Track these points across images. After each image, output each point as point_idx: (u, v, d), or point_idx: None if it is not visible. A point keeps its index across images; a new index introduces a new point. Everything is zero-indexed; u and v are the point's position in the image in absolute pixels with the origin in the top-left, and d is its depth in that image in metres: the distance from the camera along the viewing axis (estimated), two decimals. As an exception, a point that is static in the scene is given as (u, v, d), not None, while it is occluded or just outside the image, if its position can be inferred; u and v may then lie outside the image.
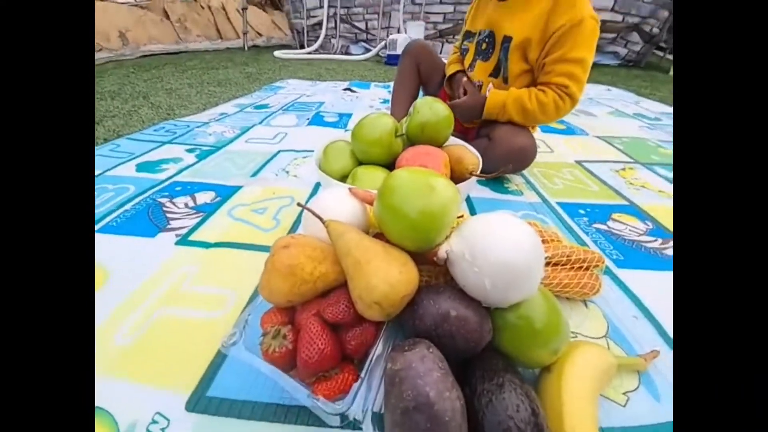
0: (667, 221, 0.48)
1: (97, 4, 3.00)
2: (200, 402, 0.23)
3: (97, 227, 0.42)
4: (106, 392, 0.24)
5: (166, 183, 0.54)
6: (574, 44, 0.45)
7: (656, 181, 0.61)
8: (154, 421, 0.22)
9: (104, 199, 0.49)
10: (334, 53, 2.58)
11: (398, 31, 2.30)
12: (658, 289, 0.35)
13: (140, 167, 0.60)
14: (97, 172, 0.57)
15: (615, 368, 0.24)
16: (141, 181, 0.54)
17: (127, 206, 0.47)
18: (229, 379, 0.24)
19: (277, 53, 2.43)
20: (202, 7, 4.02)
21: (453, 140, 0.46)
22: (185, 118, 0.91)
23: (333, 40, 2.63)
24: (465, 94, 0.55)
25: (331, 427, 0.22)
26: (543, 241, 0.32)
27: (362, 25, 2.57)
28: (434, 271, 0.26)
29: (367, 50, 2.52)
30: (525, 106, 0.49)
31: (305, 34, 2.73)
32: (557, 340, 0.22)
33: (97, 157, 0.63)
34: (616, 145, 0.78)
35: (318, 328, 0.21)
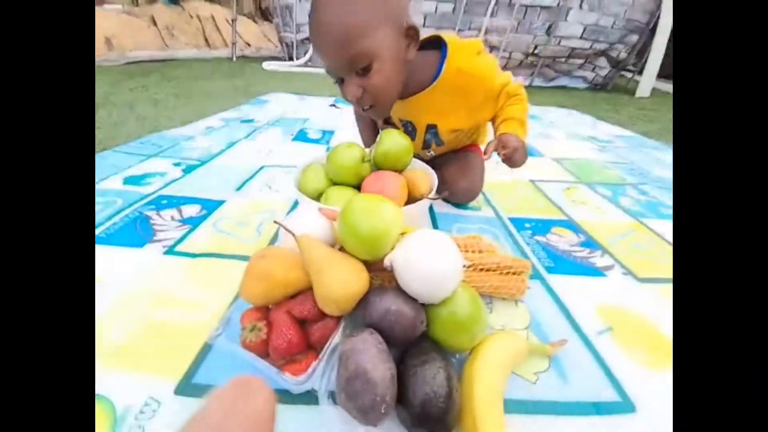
0: (597, 234, 0.56)
1: None
2: (187, 387, 0.28)
3: (87, 238, 0.46)
4: (103, 381, 0.28)
5: (153, 196, 0.58)
6: (495, 90, 0.49)
7: (594, 199, 0.70)
8: (146, 404, 0.27)
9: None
10: (322, 66, 2.65)
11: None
12: (577, 290, 0.43)
13: (127, 180, 0.63)
14: (84, 185, 0.60)
15: (526, 352, 0.31)
16: (128, 194, 0.58)
17: (116, 218, 0.51)
18: (212, 369, 0.29)
19: (265, 65, 2.48)
20: (191, 16, 4.02)
21: (417, 163, 0.53)
22: (171, 130, 0.94)
23: (321, 55, 2.70)
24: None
25: (298, 403, 0.27)
26: (479, 251, 0.39)
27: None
28: (387, 276, 0.32)
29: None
30: (525, 120, 0.50)
31: (294, 48, 2.80)
32: (476, 327, 0.28)
33: (83, 169, 0.66)
34: (566, 166, 0.88)
35: (287, 321, 0.26)
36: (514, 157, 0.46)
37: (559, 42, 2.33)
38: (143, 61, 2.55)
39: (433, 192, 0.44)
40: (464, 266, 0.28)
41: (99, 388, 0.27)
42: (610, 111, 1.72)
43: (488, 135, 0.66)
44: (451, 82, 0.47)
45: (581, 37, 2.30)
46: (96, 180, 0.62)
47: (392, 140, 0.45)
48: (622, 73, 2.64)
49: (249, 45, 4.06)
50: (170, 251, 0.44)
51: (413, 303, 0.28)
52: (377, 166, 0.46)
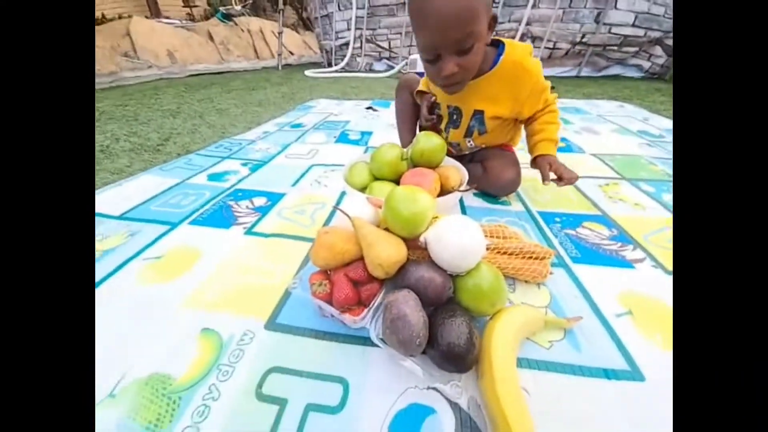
0: (632, 230, 0.57)
1: (145, 23, 3.38)
2: (273, 324, 0.38)
3: (188, 221, 0.60)
4: (212, 319, 0.39)
5: (231, 190, 0.72)
6: (541, 95, 0.58)
7: (635, 195, 0.69)
8: (245, 334, 0.37)
9: (189, 201, 0.67)
10: (359, 71, 2.79)
11: (418, 50, 2.45)
12: (603, 280, 0.45)
13: (210, 177, 0.78)
14: (178, 180, 0.76)
15: (541, 321, 0.36)
16: (213, 189, 0.72)
17: (207, 206, 0.65)
18: (290, 312, 0.39)
19: (307, 72, 2.68)
20: (243, 30, 4.42)
21: (450, 161, 0.59)
22: (236, 136, 1.11)
23: (358, 59, 2.84)
24: (427, 115, 0.64)
25: (350, 343, 0.35)
26: (504, 237, 0.44)
27: (386, 44, 2.75)
28: (420, 253, 0.39)
29: (390, 67, 2.70)
30: (554, 137, 0.60)
31: (333, 54, 2.96)
32: (496, 296, 0.34)
33: (175, 169, 0.83)
34: (608, 162, 0.86)
35: (345, 280, 0.35)
36: (570, 178, 0.56)
37: (609, 30, 2.18)
38: (203, 74, 2.91)
39: (464, 185, 0.50)
40: (487, 246, 0.34)
41: (207, 324, 0.38)
42: (665, 103, 1.58)
43: (521, 136, 0.71)
44: (506, 71, 0.54)
45: (633, 25, 2.13)
46: (187, 176, 0.78)
47: (428, 140, 0.52)
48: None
49: (292, 53, 4.37)
50: (249, 232, 0.56)
51: (443, 272, 0.34)
52: (414, 163, 0.53)
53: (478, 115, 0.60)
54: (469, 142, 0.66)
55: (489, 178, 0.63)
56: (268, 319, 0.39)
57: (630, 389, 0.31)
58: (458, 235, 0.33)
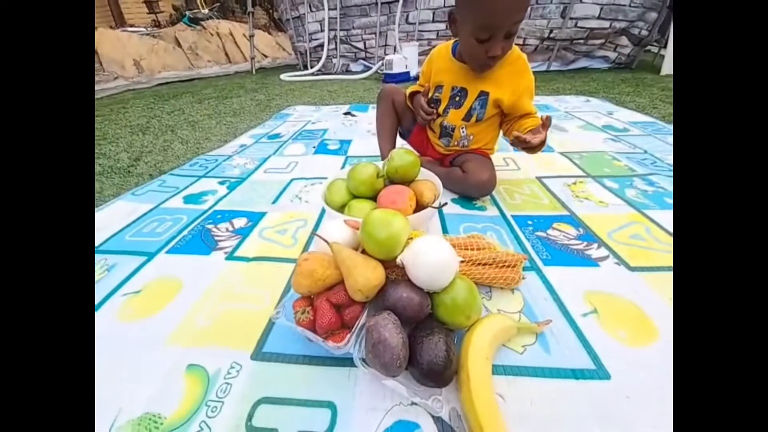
0: (597, 228, 0.61)
1: (110, 34, 3.23)
2: (259, 354, 0.39)
3: (165, 249, 0.59)
4: (197, 354, 0.39)
5: (209, 212, 0.71)
6: (531, 98, 0.67)
7: (600, 193, 0.74)
8: (231, 367, 0.38)
9: (166, 227, 0.66)
10: (336, 73, 2.76)
11: (394, 50, 2.46)
12: (569, 280, 0.48)
13: (186, 199, 0.77)
14: (153, 205, 0.74)
15: (514, 329, 0.39)
16: (190, 212, 0.71)
17: (185, 232, 0.64)
18: (277, 340, 0.40)
19: (283, 76, 2.62)
20: (211, 34, 4.27)
21: (426, 174, 0.61)
22: (212, 152, 1.08)
23: (334, 60, 2.81)
24: (427, 109, 0.70)
25: (336, 365, 0.37)
26: (478, 249, 0.46)
27: (361, 45, 2.73)
28: (398, 272, 0.41)
29: (367, 67, 2.69)
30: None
31: (308, 55, 2.92)
32: (471, 310, 0.36)
33: (149, 192, 0.81)
34: (575, 160, 0.91)
35: (327, 306, 0.36)
36: (538, 146, 0.59)
37: (576, 24, 2.25)
38: (172, 82, 2.79)
39: (438, 201, 0.52)
40: (460, 261, 0.36)
41: (193, 360, 0.38)
42: (631, 94, 1.66)
43: (498, 144, 0.77)
44: (512, 62, 0.63)
45: (599, 17, 2.21)
46: (161, 200, 0.76)
47: (401, 158, 0.54)
48: (648, 48, 2.49)
49: (266, 56, 4.26)
50: (230, 257, 0.56)
51: (420, 291, 0.36)
52: (390, 180, 0.55)
53: (483, 96, 0.66)
54: (463, 130, 0.71)
55: (468, 178, 0.69)
56: (255, 348, 0.39)
57: (596, 388, 0.34)
58: (432, 256, 0.35)
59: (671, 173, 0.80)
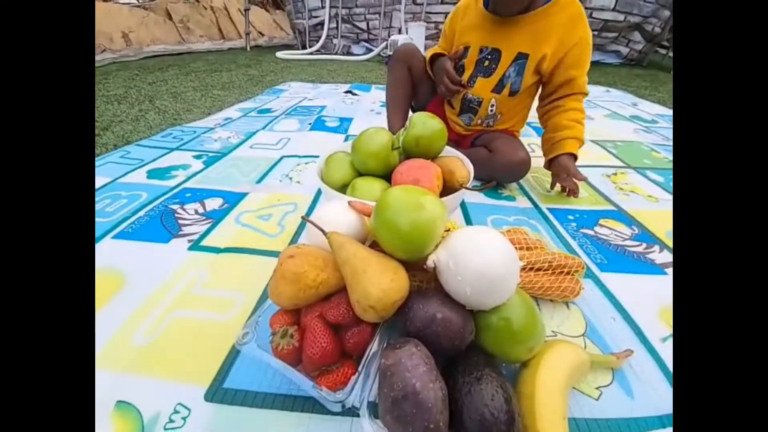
0: (653, 226, 0.50)
1: (99, 6, 3.02)
2: (218, 393, 0.26)
3: (113, 233, 0.45)
4: (128, 388, 0.27)
5: (177, 190, 0.57)
6: (586, 60, 0.52)
7: (646, 186, 0.63)
8: (176, 411, 0.25)
9: (118, 206, 0.52)
10: (336, 53, 2.59)
11: (399, 32, 2.31)
12: (637, 292, 0.38)
13: (151, 174, 0.63)
14: (109, 179, 0.60)
15: (588, 365, 0.27)
16: (152, 188, 0.57)
17: (141, 213, 0.50)
18: (243, 373, 0.27)
19: (279, 54, 2.45)
20: (205, 8, 4.03)
21: (448, 150, 0.49)
22: (191, 123, 0.94)
23: (335, 40, 2.64)
24: (454, 76, 0.56)
25: (333, 414, 0.25)
26: (527, 248, 0.34)
27: (364, 26, 2.57)
28: (426, 276, 0.29)
29: (369, 50, 2.53)
30: (581, 137, 0.55)
31: (307, 35, 2.75)
32: (533, 339, 0.25)
33: (108, 164, 0.66)
34: (610, 149, 0.80)
35: (321, 327, 0.24)
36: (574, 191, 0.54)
37: (591, 14, 2.16)
38: (161, 55, 2.59)
39: (471, 181, 0.40)
40: (521, 266, 0.24)
41: (124, 395, 0.26)
42: (649, 88, 1.56)
43: (525, 124, 0.65)
44: (562, 11, 0.50)
45: (614, 9, 2.13)
46: (119, 174, 0.62)
47: (424, 124, 0.41)
48: (657, 48, 2.41)
49: (262, 34, 4.04)
50: (195, 246, 0.43)
51: (461, 310, 0.24)
52: (407, 154, 0.42)
53: (521, 59, 0.53)
54: (492, 106, 0.58)
55: (497, 158, 0.55)
56: (212, 383, 0.27)
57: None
58: (484, 259, 0.23)
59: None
